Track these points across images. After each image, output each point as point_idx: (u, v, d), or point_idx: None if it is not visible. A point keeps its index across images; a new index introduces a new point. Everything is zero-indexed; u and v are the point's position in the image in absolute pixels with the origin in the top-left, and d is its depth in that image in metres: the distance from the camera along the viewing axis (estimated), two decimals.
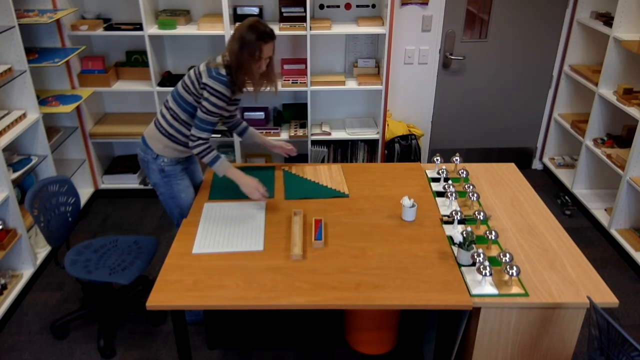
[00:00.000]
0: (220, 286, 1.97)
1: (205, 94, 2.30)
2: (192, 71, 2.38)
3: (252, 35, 2.23)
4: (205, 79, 2.29)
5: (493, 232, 2.13)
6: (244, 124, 2.75)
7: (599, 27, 3.59)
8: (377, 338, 2.60)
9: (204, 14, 3.75)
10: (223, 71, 2.29)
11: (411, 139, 3.95)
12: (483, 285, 1.96)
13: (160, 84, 3.66)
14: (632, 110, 3.25)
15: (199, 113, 2.33)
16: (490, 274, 1.92)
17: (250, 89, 2.43)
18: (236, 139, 3.79)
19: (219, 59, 2.32)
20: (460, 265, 2.07)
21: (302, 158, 4.09)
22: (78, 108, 3.69)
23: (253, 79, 2.36)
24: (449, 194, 2.47)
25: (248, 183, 2.41)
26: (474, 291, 1.94)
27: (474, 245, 2.08)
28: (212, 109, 2.31)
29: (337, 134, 3.89)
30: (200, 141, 2.36)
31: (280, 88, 3.68)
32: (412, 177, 2.76)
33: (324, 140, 3.90)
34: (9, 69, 2.96)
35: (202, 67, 2.33)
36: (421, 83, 4.09)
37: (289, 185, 2.67)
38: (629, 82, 3.51)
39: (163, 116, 2.48)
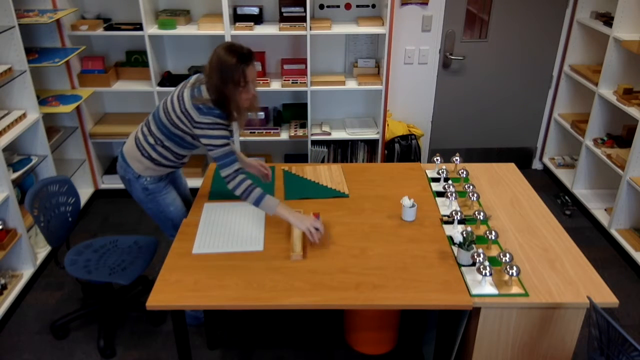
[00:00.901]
0: (220, 286, 1.97)
1: (204, 132, 2.16)
2: (174, 101, 2.23)
3: (232, 58, 2.06)
4: (198, 118, 2.15)
5: (493, 232, 2.13)
6: None
7: (599, 27, 3.59)
8: (377, 338, 2.60)
9: (204, 14, 3.75)
10: (211, 104, 2.14)
11: (411, 139, 3.95)
12: (483, 285, 1.96)
13: (160, 84, 3.66)
14: (632, 110, 3.25)
15: (213, 153, 2.18)
16: (490, 274, 1.92)
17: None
18: (236, 138, 3.79)
19: (204, 92, 2.17)
20: (460, 265, 2.07)
21: (302, 158, 4.09)
22: (78, 108, 3.69)
23: (241, 109, 2.20)
24: (449, 194, 2.47)
25: (302, 220, 2.18)
26: (474, 291, 1.94)
27: (474, 245, 2.08)
28: (219, 142, 2.16)
29: (337, 134, 3.89)
30: (238, 177, 2.18)
31: (279, 88, 3.69)
32: (412, 177, 2.76)
33: (324, 140, 3.90)
34: (9, 69, 2.96)
35: (189, 104, 2.17)
36: (421, 83, 4.09)
37: (289, 185, 2.67)
38: (629, 82, 3.51)
39: (145, 139, 2.35)
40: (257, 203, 2.20)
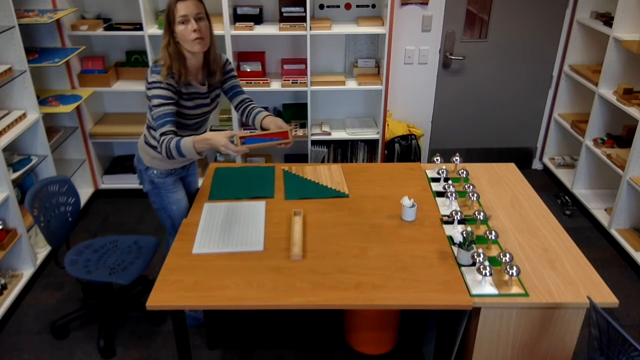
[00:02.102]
0: (220, 286, 1.97)
1: (151, 92, 2.18)
2: None
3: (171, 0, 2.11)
4: (149, 78, 2.20)
5: (493, 232, 2.13)
6: (257, 109, 2.57)
7: (599, 27, 3.59)
8: (377, 338, 2.60)
9: None
10: (161, 61, 2.19)
11: (411, 139, 3.95)
12: (483, 285, 1.96)
13: None
14: (632, 110, 3.25)
15: (152, 113, 2.20)
16: (490, 274, 1.92)
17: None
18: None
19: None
20: (460, 265, 2.07)
21: (302, 158, 4.09)
22: (78, 108, 3.69)
23: (170, 47, 2.15)
24: (449, 194, 2.47)
25: (219, 142, 2.08)
26: (474, 291, 1.94)
27: (474, 245, 2.08)
28: (155, 101, 2.16)
29: (337, 134, 3.89)
30: (163, 138, 2.14)
31: (280, 88, 3.69)
32: (412, 177, 2.76)
33: (324, 140, 3.90)
34: (9, 69, 2.96)
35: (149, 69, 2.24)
36: (421, 83, 4.09)
37: (289, 185, 2.67)
38: (629, 82, 3.51)
39: (147, 127, 2.42)
40: (179, 154, 2.13)
